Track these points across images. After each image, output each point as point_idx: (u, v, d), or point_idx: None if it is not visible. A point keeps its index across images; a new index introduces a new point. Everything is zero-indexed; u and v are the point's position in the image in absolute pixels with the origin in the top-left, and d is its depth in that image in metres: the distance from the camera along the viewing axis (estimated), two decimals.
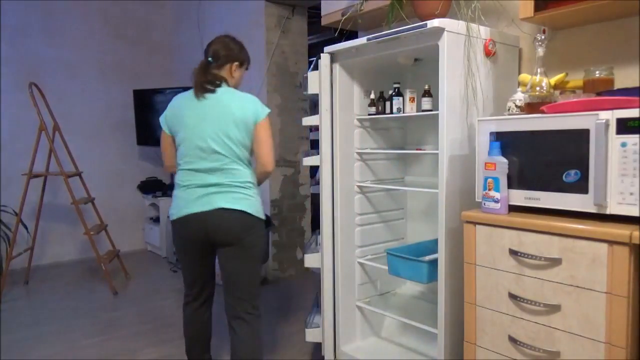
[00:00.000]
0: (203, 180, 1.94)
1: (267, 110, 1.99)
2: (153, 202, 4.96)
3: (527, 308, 1.50)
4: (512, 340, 1.54)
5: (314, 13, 4.33)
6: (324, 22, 2.60)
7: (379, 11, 2.26)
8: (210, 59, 2.01)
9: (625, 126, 1.31)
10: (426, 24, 1.75)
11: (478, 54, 1.86)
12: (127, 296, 3.68)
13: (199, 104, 1.95)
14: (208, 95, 1.95)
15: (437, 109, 1.82)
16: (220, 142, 1.92)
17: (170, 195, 4.87)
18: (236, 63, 2.05)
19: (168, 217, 4.62)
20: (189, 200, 1.95)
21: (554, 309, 1.43)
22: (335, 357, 2.35)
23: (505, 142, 1.58)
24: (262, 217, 2.02)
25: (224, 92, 1.97)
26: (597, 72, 1.65)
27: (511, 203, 1.59)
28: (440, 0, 1.88)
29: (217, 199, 1.92)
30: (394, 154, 2.49)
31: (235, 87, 2.07)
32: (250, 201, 1.96)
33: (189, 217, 1.94)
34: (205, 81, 1.97)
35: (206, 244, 1.98)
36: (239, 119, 1.93)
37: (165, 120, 2.05)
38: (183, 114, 1.97)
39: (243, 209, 1.93)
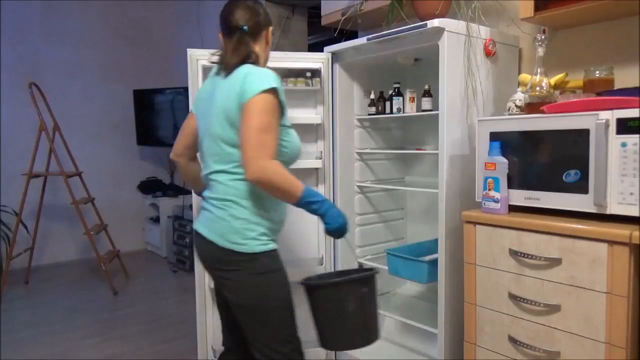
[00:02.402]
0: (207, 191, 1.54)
1: (262, 86, 1.36)
2: (153, 202, 4.95)
3: (527, 308, 1.50)
4: (512, 340, 1.54)
5: (314, 13, 4.33)
6: (324, 22, 2.60)
7: (379, 11, 2.26)
8: (245, 27, 1.49)
9: (625, 126, 1.31)
10: (426, 24, 1.75)
11: (478, 54, 1.86)
12: (127, 296, 3.67)
13: (216, 88, 1.48)
14: (229, 76, 1.45)
15: (437, 109, 1.82)
16: (210, 141, 1.48)
17: (170, 196, 4.87)
18: (270, 27, 1.61)
19: (168, 216, 4.64)
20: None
21: (554, 309, 1.43)
22: (335, 357, 2.35)
23: (505, 142, 1.58)
24: (249, 248, 1.40)
25: (235, 73, 1.45)
26: (597, 72, 1.65)
27: (511, 203, 1.59)
28: (440, 0, 1.88)
29: (200, 218, 1.51)
30: (394, 154, 2.49)
31: (266, 61, 1.63)
32: (220, 225, 1.42)
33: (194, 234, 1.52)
34: (237, 56, 1.46)
35: None
36: (220, 107, 1.43)
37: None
38: (203, 97, 1.54)
39: (210, 238, 1.44)
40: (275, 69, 1.53)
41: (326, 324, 1.48)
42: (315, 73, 2.22)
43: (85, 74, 4.78)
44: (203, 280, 2.18)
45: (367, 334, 1.48)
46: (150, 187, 5.09)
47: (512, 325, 1.54)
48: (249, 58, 1.48)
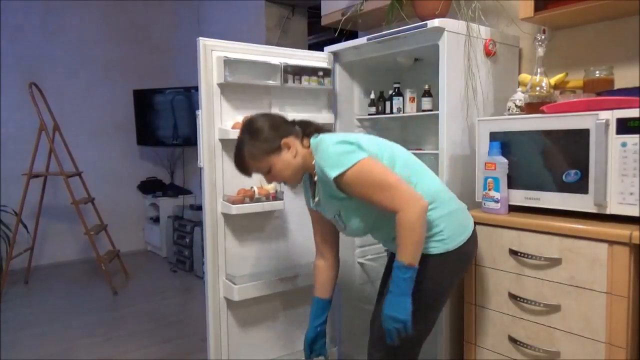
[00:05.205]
0: None
1: None
2: (153, 202, 4.95)
3: (527, 308, 1.50)
4: (512, 340, 1.54)
5: (314, 13, 4.33)
6: (324, 22, 2.60)
7: (379, 11, 2.26)
8: None
9: (625, 126, 1.31)
10: (426, 23, 1.75)
11: (478, 54, 1.86)
12: (127, 296, 3.67)
13: None
14: None
15: (437, 109, 1.82)
16: None
17: (170, 196, 4.87)
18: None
19: (169, 216, 4.63)
20: None
21: (554, 309, 1.43)
22: (337, 356, 2.35)
23: (505, 142, 1.58)
24: None
25: None
26: (597, 72, 1.65)
27: (511, 203, 1.59)
28: (440, 0, 1.88)
29: None
30: None
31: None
32: None
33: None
34: None
35: None
36: None
37: None
38: None
39: None
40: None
41: None
42: (327, 72, 2.20)
43: (85, 73, 4.78)
44: (218, 288, 1.98)
45: None
46: (150, 187, 5.09)
47: (512, 325, 1.54)
48: None
